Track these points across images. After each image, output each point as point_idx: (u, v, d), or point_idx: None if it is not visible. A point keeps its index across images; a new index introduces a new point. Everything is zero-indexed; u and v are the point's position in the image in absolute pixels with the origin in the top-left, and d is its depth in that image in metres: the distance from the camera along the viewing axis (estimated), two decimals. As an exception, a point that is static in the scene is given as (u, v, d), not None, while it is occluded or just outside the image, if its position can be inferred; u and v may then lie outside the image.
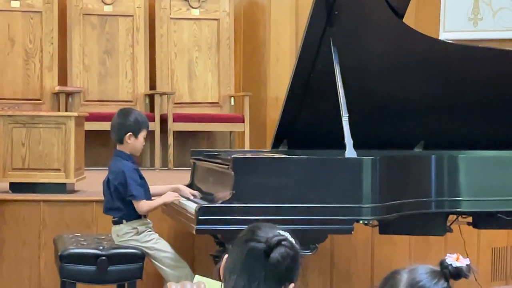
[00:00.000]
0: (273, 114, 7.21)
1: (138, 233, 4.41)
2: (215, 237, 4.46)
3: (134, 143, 4.46)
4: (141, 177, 4.47)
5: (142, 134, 4.48)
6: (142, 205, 4.40)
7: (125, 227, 4.41)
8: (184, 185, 4.69)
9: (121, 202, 4.40)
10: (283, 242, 2.05)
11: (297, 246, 2.09)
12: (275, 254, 2.03)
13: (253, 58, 7.96)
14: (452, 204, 4.17)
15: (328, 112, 4.24)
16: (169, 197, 4.44)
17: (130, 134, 4.44)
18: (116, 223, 4.44)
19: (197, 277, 2.45)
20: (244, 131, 7.46)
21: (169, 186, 4.59)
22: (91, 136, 6.28)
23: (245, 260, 2.04)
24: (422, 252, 5.37)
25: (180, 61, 7.69)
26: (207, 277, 2.39)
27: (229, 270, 2.06)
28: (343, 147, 3.93)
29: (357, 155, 3.90)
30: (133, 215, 4.42)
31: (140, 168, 4.57)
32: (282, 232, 2.08)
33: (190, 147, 6.55)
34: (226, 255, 2.11)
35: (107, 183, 4.46)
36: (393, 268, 1.91)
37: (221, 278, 2.10)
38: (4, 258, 5.05)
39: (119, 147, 4.50)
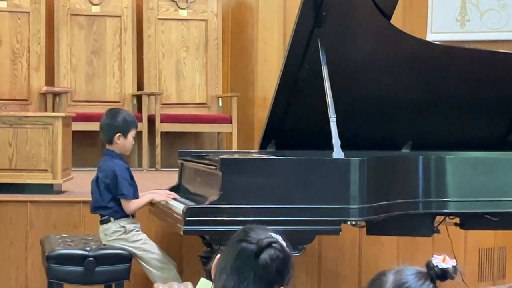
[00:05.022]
0: (261, 114, 7.21)
1: (126, 232, 4.40)
2: (202, 238, 4.45)
3: (124, 143, 4.46)
4: (131, 177, 4.47)
5: (131, 133, 4.48)
6: (131, 205, 4.41)
7: (113, 225, 4.40)
8: (172, 186, 4.69)
9: (111, 200, 4.40)
10: (273, 244, 2.05)
11: (288, 250, 2.09)
12: (264, 255, 2.04)
13: (241, 58, 7.96)
14: (439, 205, 4.17)
15: (316, 113, 4.24)
16: (159, 195, 4.43)
17: (119, 135, 4.44)
18: (103, 222, 4.43)
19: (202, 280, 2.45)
20: (232, 132, 7.45)
21: (145, 193, 4.58)
22: (79, 137, 6.26)
23: (236, 260, 2.05)
24: (409, 253, 5.38)
25: (167, 62, 7.67)
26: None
27: (220, 269, 2.07)
28: (331, 148, 3.93)
29: (345, 156, 3.90)
30: (121, 214, 4.42)
31: (128, 168, 4.56)
32: (274, 235, 2.09)
33: (177, 147, 6.52)
34: (219, 255, 2.12)
35: (96, 181, 4.45)
36: (381, 268, 1.91)
37: (212, 277, 2.11)
38: (-10, 259, 5.04)
39: (108, 146, 4.50)
